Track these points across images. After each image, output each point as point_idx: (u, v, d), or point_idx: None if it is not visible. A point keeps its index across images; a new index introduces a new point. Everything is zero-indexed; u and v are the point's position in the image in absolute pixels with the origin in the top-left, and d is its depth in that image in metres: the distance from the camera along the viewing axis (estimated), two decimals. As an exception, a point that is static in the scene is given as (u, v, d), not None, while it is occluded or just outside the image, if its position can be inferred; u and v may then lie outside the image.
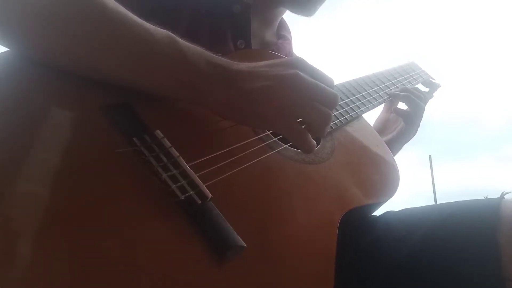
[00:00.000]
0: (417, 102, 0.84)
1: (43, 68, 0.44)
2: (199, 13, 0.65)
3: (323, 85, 0.50)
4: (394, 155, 0.85)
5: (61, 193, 0.36)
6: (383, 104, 0.88)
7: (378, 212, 0.66)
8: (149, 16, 0.47)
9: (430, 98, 0.95)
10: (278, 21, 0.80)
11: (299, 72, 0.49)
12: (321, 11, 0.76)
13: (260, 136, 0.55)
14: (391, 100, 0.87)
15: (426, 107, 0.88)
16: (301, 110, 0.48)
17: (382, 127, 0.89)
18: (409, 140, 0.87)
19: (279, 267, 0.43)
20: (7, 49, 0.45)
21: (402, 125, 0.85)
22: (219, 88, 0.47)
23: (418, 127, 0.86)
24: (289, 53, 0.80)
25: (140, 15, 0.46)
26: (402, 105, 0.88)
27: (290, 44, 0.81)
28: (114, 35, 0.44)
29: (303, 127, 0.49)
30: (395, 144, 0.85)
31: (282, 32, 0.81)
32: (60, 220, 0.35)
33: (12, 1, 0.43)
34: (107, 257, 0.35)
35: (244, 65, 0.49)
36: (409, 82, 0.90)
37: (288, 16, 0.79)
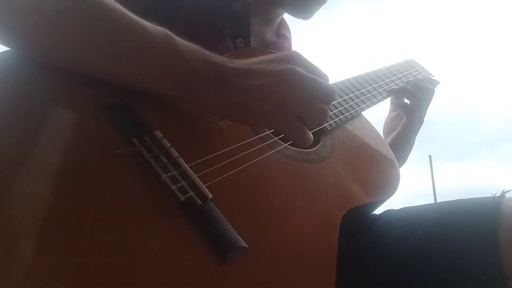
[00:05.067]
0: (411, 91, 0.83)
1: (43, 68, 0.44)
2: (198, 10, 0.65)
3: (320, 79, 0.50)
4: (408, 151, 0.87)
5: (60, 194, 0.36)
6: (384, 102, 0.88)
7: (378, 211, 0.66)
8: (147, 13, 0.47)
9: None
10: (278, 20, 0.80)
11: (295, 66, 0.48)
12: (322, 11, 0.76)
13: (260, 135, 0.55)
14: (397, 97, 0.86)
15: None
16: (298, 105, 0.48)
17: (391, 126, 0.89)
18: (415, 130, 0.85)
19: (281, 267, 0.43)
20: (6, 49, 0.45)
21: (404, 119, 0.85)
22: (215, 86, 0.46)
23: (421, 116, 0.85)
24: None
25: (137, 13, 0.46)
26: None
27: (289, 43, 0.81)
28: (109, 31, 0.44)
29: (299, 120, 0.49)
30: (403, 138, 0.85)
31: (282, 31, 0.81)
32: (60, 221, 0.35)
33: None
34: (108, 258, 0.35)
35: (240, 63, 0.48)
36: (408, 80, 0.90)
37: (290, 16, 0.79)
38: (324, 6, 0.75)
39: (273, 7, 0.75)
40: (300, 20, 0.76)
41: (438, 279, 0.50)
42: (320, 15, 0.76)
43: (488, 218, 0.51)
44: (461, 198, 0.59)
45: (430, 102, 0.88)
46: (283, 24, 0.82)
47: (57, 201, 0.36)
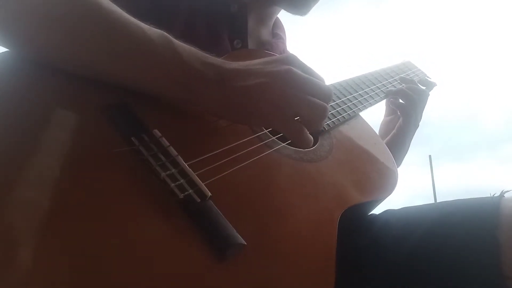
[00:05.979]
0: (408, 93, 0.85)
1: (42, 68, 0.44)
2: (196, 12, 0.65)
3: (316, 79, 0.51)
4: (403, 153, 0.88)
5: (59, 194, 0.36)
6: (381, 104, 0.88)
7: (377, 210, 0.66)
8: (145, 16, 0.47)
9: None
10: (273, 20, 0.80)
11: (292, 67, 0.49)
12: (321, 11, 0.76)
13: (258, 134, 0.55)
14: (394, 98, 0.87)
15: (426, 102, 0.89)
16: (296, 105, 0.48)
17: (386, 129, 0.90)
18: (410, 133, 0.86)
19: (279, 265, 0.43)
20: (6, 49, 0.45)
21: (400, 120, 0.86)
22: (213, 87, 0.47)
23: (417, 119, 0.86)
24: (283, 52, 0.80)
25: (135, 15, 0.46)
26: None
27: (284, 43, 0.82)
28: (108, 33, 0.44)
29: (298, 121, 0.49)
30: (398, 140, 0.86)
31: (276, 31, 0.81)
32: (60, 221, 0.35)
33: (7, 0, 0.43)
34: (107, 257, 0.35)
35: (237, 64, 0.49)
36: (405, 78, 0.90)
37: (286, 16, 0.79)
38: (323, 6, 0.75)
39: (269, 4, 0.75)
40: (300, 20, 0.76)
41: (437, 279, 0.50)
42: (319, 15, 0.76)
43: (487, 218, 0.51)
44: (461, 198, 0.59)
45: (425, 104, 0.89)
46: (277, 24, 0.83)
47: (55, 202, 0.36)
